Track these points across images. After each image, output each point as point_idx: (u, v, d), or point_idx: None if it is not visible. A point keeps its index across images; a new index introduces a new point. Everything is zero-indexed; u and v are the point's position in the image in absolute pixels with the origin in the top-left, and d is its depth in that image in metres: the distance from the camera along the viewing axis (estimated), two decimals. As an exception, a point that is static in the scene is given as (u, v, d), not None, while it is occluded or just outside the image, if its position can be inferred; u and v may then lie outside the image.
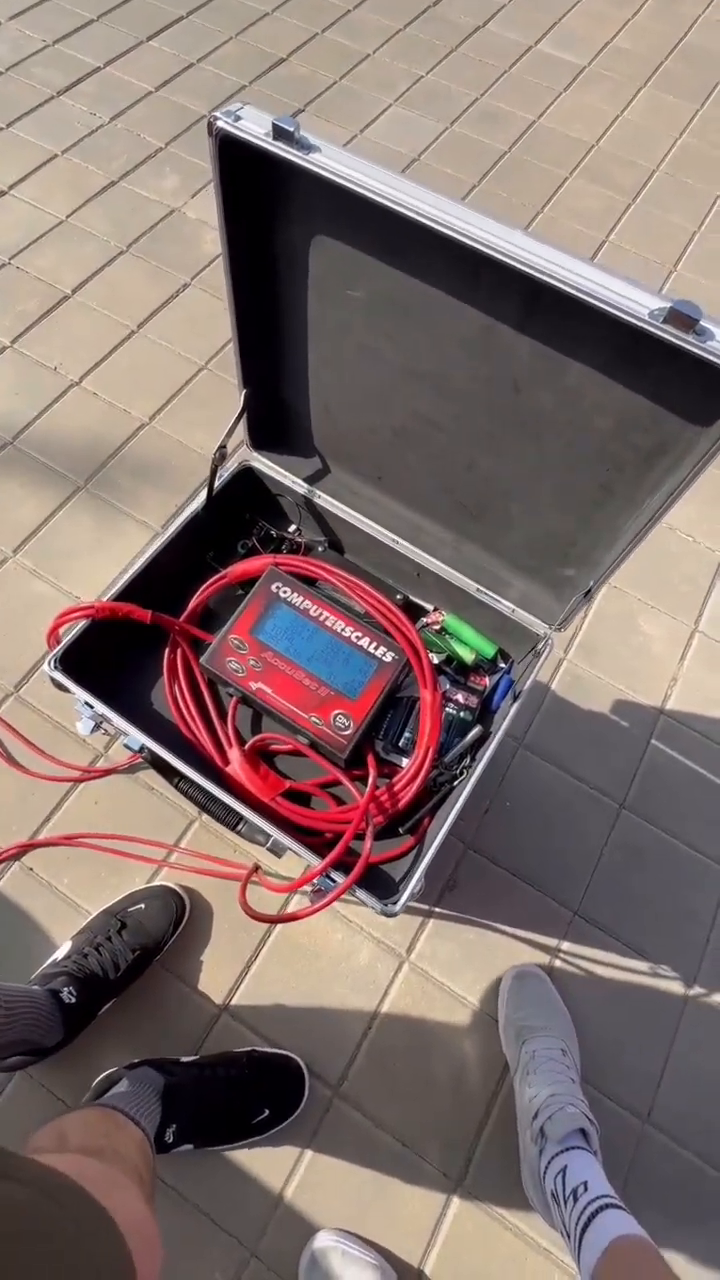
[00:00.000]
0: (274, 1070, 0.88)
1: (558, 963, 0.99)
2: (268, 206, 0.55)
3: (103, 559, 1.23)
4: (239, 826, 0.68)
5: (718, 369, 0.40)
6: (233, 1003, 0.94)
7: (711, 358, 0.40)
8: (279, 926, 0.97)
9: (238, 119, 0.48)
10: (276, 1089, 0.88)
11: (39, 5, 1.97)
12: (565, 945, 1.00)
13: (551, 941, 1.01)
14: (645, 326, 0.41)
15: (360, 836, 0.65)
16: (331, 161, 0.46)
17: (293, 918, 0.65)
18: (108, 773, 1.04)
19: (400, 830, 0.72)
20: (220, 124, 0.48)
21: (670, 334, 0.41)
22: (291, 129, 0.46)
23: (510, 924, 1.02)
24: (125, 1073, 0.80)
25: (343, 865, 0.63)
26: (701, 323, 0.41)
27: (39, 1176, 0.38)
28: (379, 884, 0.69)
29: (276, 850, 0.65)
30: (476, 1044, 0.94)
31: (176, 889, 0.97)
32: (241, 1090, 0.85)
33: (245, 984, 0.95)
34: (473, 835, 1.06)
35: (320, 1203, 0.85)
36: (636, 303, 0.42)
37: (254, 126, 0.47)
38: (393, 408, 0.67)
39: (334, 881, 0.62)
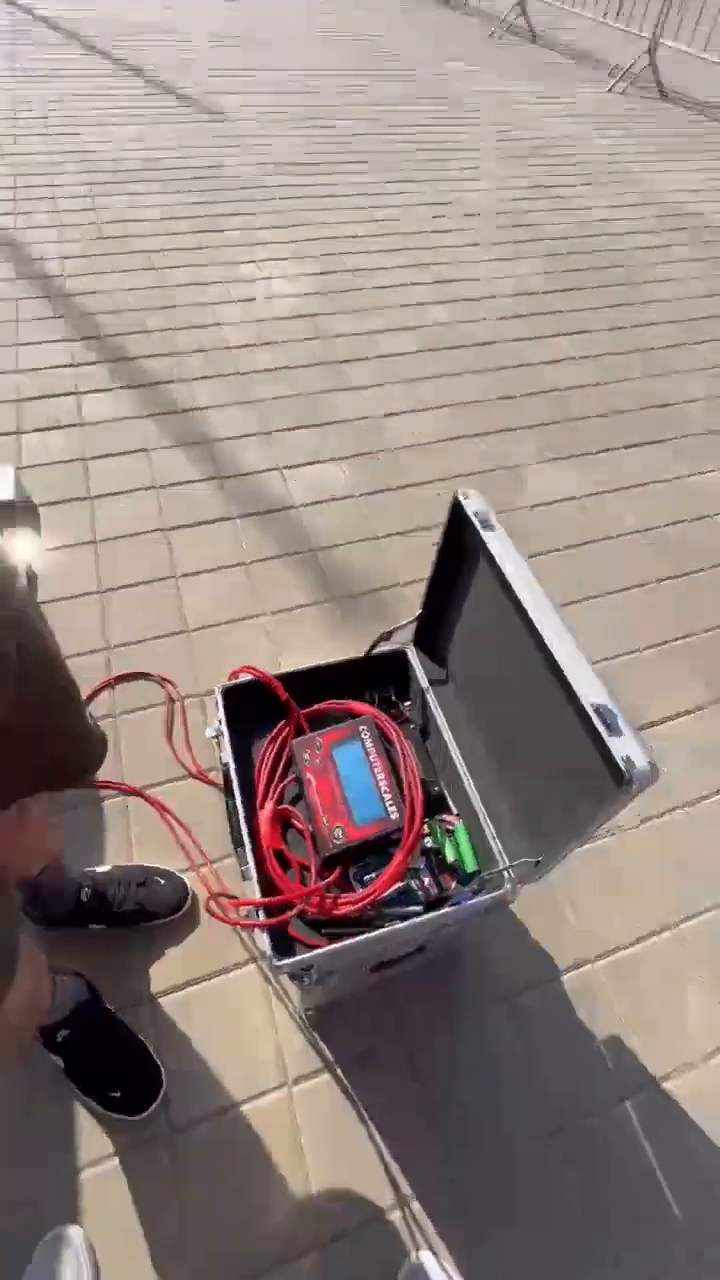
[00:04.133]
0: (142, 1059, 1.09)
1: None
2: (472, 542, 0.94)
3: (306, 646, 1.69)
4: (237, 847, 0.97)
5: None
6: (162, 1000, 1.17)
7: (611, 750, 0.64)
8: (217, 982, 1.20)
9: (467, 496, 0.89)
10: (137, 1081, 1.07)
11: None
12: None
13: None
14: (587, 709, 0.67)
15: (290, 907, 0.89)
16: (497, 542, 0.83)
17: (227, 920, 0.91)
18: (208, 781, 1.43)
19: (322, 931, 0.94)
20: (457, 497, 0.89)
21: (595, 721, 0.66)
22: (488, 515, 0.85)
23: (390, 1149, 1.07)
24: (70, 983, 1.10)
25: (272, 912, 0.88)
26: (619, 722, 0.65)
27: None
28: (286, 949, 0.91)
29: (245, 876, 0.93)
30: (286, 1210, 1.01)
31: (191, 889, 1.28)
32: (123, 1056, 1.07)
33: (182, 993, 1.18)
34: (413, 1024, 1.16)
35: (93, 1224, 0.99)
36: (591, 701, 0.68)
37: (477, 506, 0.88)
38: (487, 674, 0.98)
39: (259, 915, 0.87)
